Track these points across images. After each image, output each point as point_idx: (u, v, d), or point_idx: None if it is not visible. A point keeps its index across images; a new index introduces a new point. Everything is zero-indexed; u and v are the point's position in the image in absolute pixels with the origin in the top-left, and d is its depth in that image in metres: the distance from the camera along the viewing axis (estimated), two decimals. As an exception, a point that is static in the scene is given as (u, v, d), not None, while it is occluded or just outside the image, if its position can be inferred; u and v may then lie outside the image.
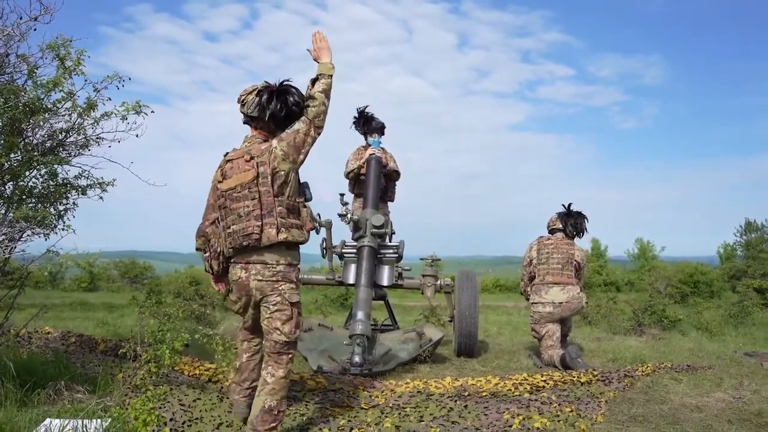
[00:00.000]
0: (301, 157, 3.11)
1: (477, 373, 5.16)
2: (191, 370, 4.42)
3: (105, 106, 3.80)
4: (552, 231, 6.21)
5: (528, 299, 6.13)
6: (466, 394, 4.15)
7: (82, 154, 3.95)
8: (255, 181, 3.03)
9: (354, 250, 5.81)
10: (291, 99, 3.15)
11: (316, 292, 14.87)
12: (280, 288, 3.06)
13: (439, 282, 6.09)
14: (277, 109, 3.11)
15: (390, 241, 6.08)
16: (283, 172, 3.05)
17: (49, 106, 3.66)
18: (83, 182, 4.00)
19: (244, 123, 3.24)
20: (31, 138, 3.76)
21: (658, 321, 8.96)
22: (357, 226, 5.78)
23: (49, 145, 3.86)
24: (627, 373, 4.96)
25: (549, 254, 5.98)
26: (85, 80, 3.65)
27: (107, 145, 3.87)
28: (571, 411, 3.87)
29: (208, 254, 3.25)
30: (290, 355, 3.15)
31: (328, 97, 3.20)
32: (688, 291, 21.24)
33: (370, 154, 6.22)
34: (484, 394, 4.17)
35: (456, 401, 3.99)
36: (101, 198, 4.02)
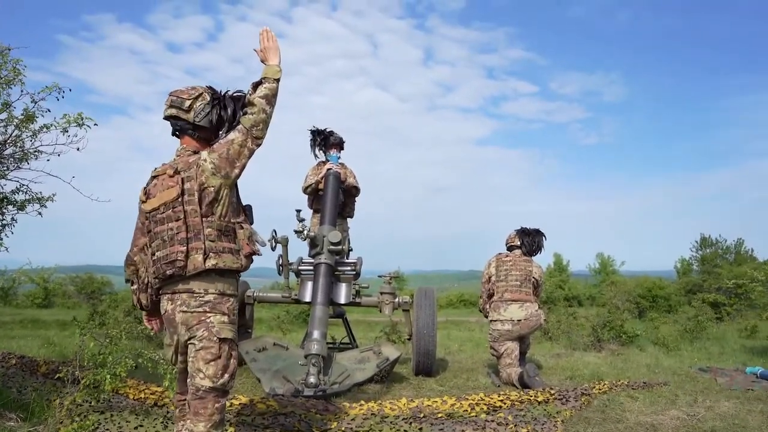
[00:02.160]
0: (236, 171, 2.66)
1: (434, 393, 5.08)
2: (136, 393, 4.22)
3: (44, 118, 3.63)
4: (510, 248, 6.21)
5: (487, 317, 6.09)
6: (422, 415, 4.05)
7: (19, 168, 3.75)
8: (179, 200, 2.60)
9: (311, 268, 5.69)
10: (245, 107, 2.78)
11: (278, 308, 14.63)
12: (208, 321, 2.58)
13: (397, 300, 6.00)
14: (231, 118, 2.74)
15: (348, 258, 5.98)
16: (212, 189, 2.61)
17: (-18, 117, 3.47)
18: (21, 197, 3.79)
19: (175, 133, 2.79)
20: (-38, 150, 3.56)
21: (617, 336, 9.04)
22: (314, 243, 5.66)
23: (-17, 158, 3.67)
24: (584, 391, 4.95)
25: (507, 271, 5.96)
26: (22, 90, 3.47)
27: (46, 159, 3.69)
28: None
29: (135, 286, 2.79)
30: (217, 405, 2.58)
31: (270, 104, 2.75)
32: (647, 305, 21.64)
33: (328, 170, 6.13)
34: (440, 415, 4.09)
35: (411, 423, 3.90)
36: (40, 214, 3.83)
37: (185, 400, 2.71)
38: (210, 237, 2.62)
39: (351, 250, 6.19)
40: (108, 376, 3.49)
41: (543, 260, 6.14)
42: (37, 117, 3.61)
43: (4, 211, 3.81)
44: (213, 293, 2.62)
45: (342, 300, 5.76)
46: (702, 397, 5.02)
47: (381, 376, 5.37)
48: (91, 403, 3.64)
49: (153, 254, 2.67)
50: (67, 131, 3.63)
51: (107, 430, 3.36)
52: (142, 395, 4.19)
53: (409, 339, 6.36)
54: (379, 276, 6.20)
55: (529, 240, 6.07)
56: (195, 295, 2.60)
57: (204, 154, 2.66)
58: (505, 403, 4.43)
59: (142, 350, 3.91)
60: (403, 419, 3.96)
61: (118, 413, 3.70)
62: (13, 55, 3.53)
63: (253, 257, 2.76)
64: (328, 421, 3.83)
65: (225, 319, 2.62)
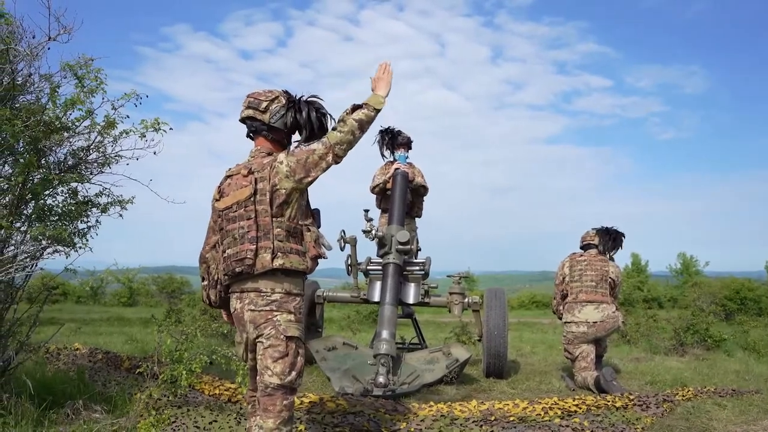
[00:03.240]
0: (309, 179, 2.67)
1: (505, 396, 4.96)
2: (211, 389, 4.36)
3: (123, 124, 3.80)
4: (585, 247, 5.99)
5: (560, 318, 5.90)
6: (493, 418, 3.96)
7: (102, 172, 3.95)
8: (252, 199, 2.65)
9: (379, 268, 5.70)
10: (320, 112, 2.83)
11: (348, 308, 14.79)
12: (275, 319, 2.62)
13: (466, 300, 5.91)
14: (306, 121, 2.77)
15: (416, 258, 5.95)
16: (284, 191, 2.64)
17: (68, 125, 3.67)
18: (104, 200, 3.99)
19: (249, 135, 2.86)
20: (50, 157, 3.77)
21: (702, 340, 8.56)
22: (382, 243, 5.67)
23: (70, 163, 3.87)
24: (666, 397, 4.69)
25: (582, 271, 5.75)
26: (103, 98, 3.65)
27: (125, 163, 3.86)
28: (605, 439, 3.66)
29: (206, 282, 2.87)
30: (285, 402, 2.62)
31: (362, 129, 2.74)
32: (734, 308, 20.40)
33: (396, 169, 6.12)
34: (511, 419, 3.99)
35: (481, 426, 3.82)
36: (121, 216, 4.01)
37: (256, 396, 2.75)
38: (279, 237, 2.65)
39: (419, 249, 6.15)
40: (184, 372, 3.60)
41: (620, 261, 5.85)
42: (117, 123, 3.78)
43: (89, 213, 4.01)
44: (280, 292, 2.64)
45: (410, 300, 5.73)
46: (799, 406, 4.66)
47: (450, 377, 5.30)
48: (168, 397, 3.78)
49: (224, 252, 2.71)
50: (145, 136, 3.79)
51: (183, 424, 3.47)
52: (217, 391, 4.31)
53: (479, 340, 6.25)
54: (448, 276, 6.13)
55: (608, 238, 5.84)
56: (262, 294, 2.63)
57: (281, 156, 2.69)
58: (580, 408, 4.26)
59: (216, 347, 4.02)
60: (473, 422, 3.89)
61: (194, 408, 3.82)
62: (96, 65, 3.71)
63: (319, 260, 2.77)
64: (397, 422, 3.81)
65: (291, 317, 2.65)
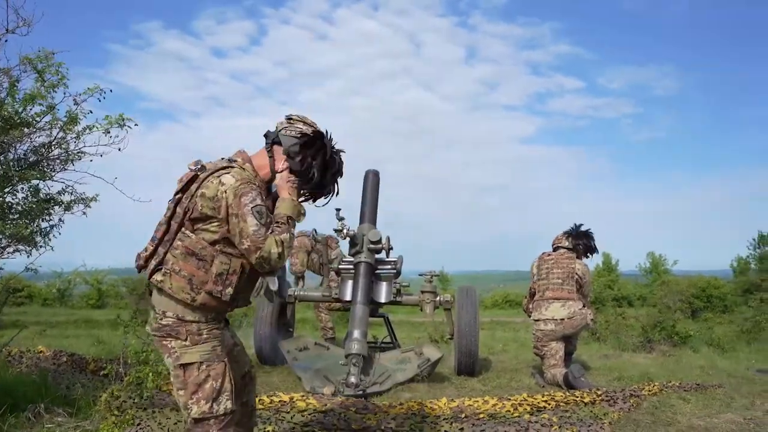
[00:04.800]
0: (223, 230, 2.18)
1: (476, 393, 4.98)
2: (179, 391, 4.28)
3: (86, 120, 3.72)
4: (555, 249, 6.05)
5: (530, 316, 5.96)
6: (463, 416, 3.97)
7: (65, 169, 3.85)
8: (178, 196, 2.26)
9: (351, 266, 5.67)
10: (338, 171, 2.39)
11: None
12: (170, 347, 2.17)
13: (438, 298, 5.93)
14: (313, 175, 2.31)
15: (388, 257, 5.94)
16: (199, 210, 2.18)
17: (28, 120, 3.57)
18: (67, 198, 3.90)
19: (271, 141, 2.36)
20: (10, 153, 3.67)
21: (668, 337, 8.71)
22: (353, 242, 5.65)
23: (31, 160, 3.78)
24: (633, 392, 4.77)
25: (549, 270, 5.81)
26: (65, 93, 3.56)
27: (89, 160, 3.78)
28: (573, 434, 3.70)
29: None
30: None
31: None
32: (701, 306, 20.83)
33: (367, 170, 6.11)
34: (481, 415, 4.00)
35: (452, 423, 3.82)
36: (85, 214, 3.93)
37: None
38: (175, 251, 2.20)
39: (392, 248, 6.15)
40: (150, 374, 3.53)
41: (591, 260, 5.91)
42: (80, 119, 3.70)
43: (51, 211, 3.91)
44: (170, 317, 2.18)
45: (382, 299, 5.72)
46: (760, 399, 4.77)
47: (422, 376, 5.31)
48: (134, 400, 3.70)
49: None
50: (109, 132, 3.71)
51: (148, 425, 3.40)
52: (185, 392, 4.24)
53: (450, 338, 6.27)
54: (420, 275, 6.14)
55: (577, 243, 5.91)
56: (156, 315, 2.21)
57: (233, 178, 2.20)
58: (549, 404, 4.30)
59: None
60: (444, 419, 3.89)
61: (159, 410, 3.75)
62: (58, 59, 3.62)
63: (219, 298, 2.19)
64: (368, 420, 3.79)
65: (187, 342, 2.16)
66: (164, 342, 2.18)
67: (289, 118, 2.39)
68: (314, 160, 2.30)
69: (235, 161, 2.29)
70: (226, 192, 2.15)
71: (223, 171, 2.22)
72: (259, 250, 2.10)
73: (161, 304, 2.19)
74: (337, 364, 5.25)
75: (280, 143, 2.33)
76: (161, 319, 2.18)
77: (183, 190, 2.25)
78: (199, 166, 2.26)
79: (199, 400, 2.14)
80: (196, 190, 2.20)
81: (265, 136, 2.39)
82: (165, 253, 2.20)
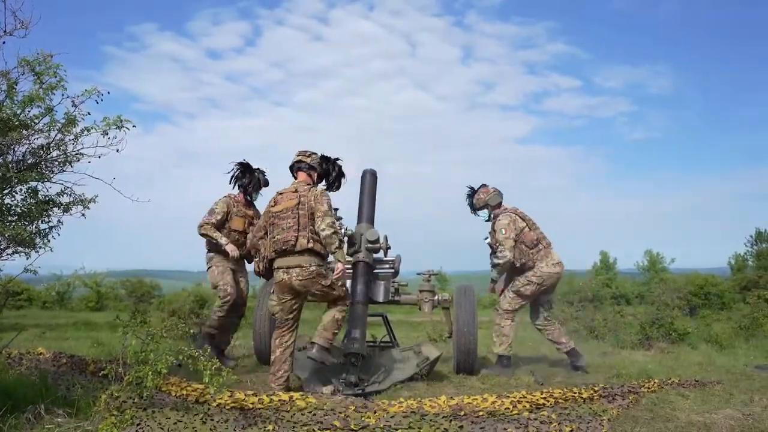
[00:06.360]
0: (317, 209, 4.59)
1: (476, 391, 4.99)
2: (178, 391, 4.29)
3: (84, 122, 3.72)
4: (499, 205, 6.22)
5: (521, 267, 5.97)
6: (462, 413, 3.98)
7: (63, 171, 3.86)
8: (296, 207, 4.55)
9: (349, 266, 5.68)
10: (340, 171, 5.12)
11: (321, 308, 14.69)
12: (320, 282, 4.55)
13: (436, 297, 5.94)
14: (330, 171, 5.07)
15: (386, 256, 5.95)
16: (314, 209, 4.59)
17: (27, 122, 3.57)
18: (65, 199, 3.90)
19: (293, 171, 4.93)
20: (8, 155, 3.67)
21: (667, 334, 8.73)
22: (351, 241, 5.66)
23: (30, 161, 3.78)
24: (631, 389, 4.79)
25: (530, 220, 6.05)
26: (63, 95, 3.57)
27: (87, 161, 3.78)
28: (572, 430, 3.71)
29: (257, 258, 4.84)
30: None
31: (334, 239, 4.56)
32: (699, 303, 20.87)
33: (365, 170, 6.12)
34: (480, 413, 4.01)
35: (451, 421, 3.83)
36: (83, 215, 3.93)
37: (282, 334, 4.71)
38: (312, 231, 4.50)
39: (389, 248, 6.16)
40: (150, 373, 3.54)
41: (588, 259, 6.01)
42: (78, 121, 3.70)
43: (50, 213, 3.92)
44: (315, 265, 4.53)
45: (380, 298, 5.73)
46: (759, 395, 4.79)
47: (421, 375, 5.32)
48: (134, 399, 3.71)
49: (273, 237, 4.53)
50: (107, 134, 3.72)
51: (148, 425, 3.41)
52: (184, 392, 4.24)
53: (449, 337, 6.28)
54: (418, 274, 6.15)
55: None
56: (303, 267, 4.46)
57: (318, 190, 4.69)
58: (548, 401, 4.31)
59: (183, 348, 3.95)
60: (443, 417, 3.90)
61: (159, 410, 3.76)
62: (56, 61, 3.62)
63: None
64: (367, 419, 3.80)
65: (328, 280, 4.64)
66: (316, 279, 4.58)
67: (304, 155, 4.93)
68: (329, 165, 5.09)
69: (303, 182, 4.87)
70: (321, 195, 4.73)
71: (307, 187, 4.82)
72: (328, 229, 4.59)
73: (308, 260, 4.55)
74: (336, 363, 5.26)
75: (310, 168, 4.94)
76: (309, 267, 4.53)
77: (297, 204, 4.64)
78: (295, 190, 4.79)
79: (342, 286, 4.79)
80: (309, 200, 4.64)
81: (299, 168, 4.94)
82: (307, 233, 4.58)
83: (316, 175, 4.87)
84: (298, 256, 4.40)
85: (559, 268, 5.94)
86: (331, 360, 4.80)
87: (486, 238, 6.18)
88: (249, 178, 6.13)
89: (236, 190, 6.21)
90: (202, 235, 5.99)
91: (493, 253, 6.03)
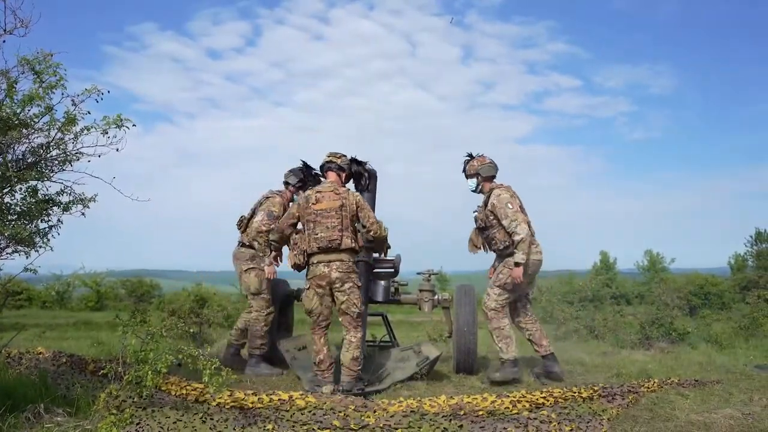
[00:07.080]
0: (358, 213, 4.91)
1: (475, 390, 5.00)
2: (178, 390, 4.29)
3: (84, 121, 3.72)
4: (491, 179, 5.71)
5: (507, 252, 5.50)
6: (462, 413, 3.98)
7: (63, 170, 3.85)
8: (341, 208, 4.78)
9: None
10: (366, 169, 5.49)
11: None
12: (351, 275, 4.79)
13: (436, 297, 5.93)
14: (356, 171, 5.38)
15: (386, 256, 5.94)
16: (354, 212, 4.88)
17: (27, 121, 3.57)
18: (65, 198, 3.90)
19: (322, 170, 5.20)
20: (8, 154, 3.67)
21: (666, 334, 8.72)
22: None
23: (29, 160, 3.78)
24: (631, 388, 4.79)
25: (521, 202, 5.59)
26: (63, 94, 3.57)
27: (87, 160, 3.78)
28: (572, 430, 3.71)
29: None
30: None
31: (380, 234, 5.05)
32: (698, 303, 20.86)
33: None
34: (480, 413, 4.01)
35: (451, 421, 3.83)
36: (83, 214, 3.92)
37: (324, 332, 4.86)
38: (352, 231, 4.84)
39: (389, 247, 6.15)
40: (149, 372, 3.54)
41: (588, 258, 5.95)
42: (78, 120, 3.70)
43: (50, 212, 3.92)
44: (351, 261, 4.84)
45: (380, 298, 5.73)
46: (759, 395, 4.79)
47: (421, 374, 5.32)
48: (134, 399, 3.71)
49: (315, 234, 4.73)
50: (107, 133, 3.71)
51: (147, 425, 3.41)
52: (184, 392, 4.25)
53: (449, 337, 6.28)
54: (418, 273, 6.14)
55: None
56: (344, 261, 4.75)
57: (358, 195, 5.02)
58: (548, 401, 4.31)
59: (182, 347, 3.95)
60: (443, 417, 3.90)
61: (158, 409, 3.76)
62: (55, 60, 3.62)
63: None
64: (366, 418, 3.80)
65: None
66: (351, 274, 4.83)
67: (335, 156, 5.15)
68: (357, 165, 5.40)
69: (334, 182, 5.08)
70: (358, 201, 5.00)
71: (343, 188, 5.07)
72: (377, 232, 5.09)
73: (348, 257, 4.84)
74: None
75: (340, 168, 5.16)
76: (347, 263, 4.80)
77: (341, 206, 4.85)
78: (335, 191, 4.96)
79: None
80: (350, 202, 4.90)
81: (329, 169, 5.15)
82: (350, 233, 4.90)
83: (344, 175, 5.12)
84: (341, 253, 4.70)
85: (541, 256, 5.55)
86: (360, 385, 4.75)
87: (475, 211, 5.71)
88: (310, 178, 5.87)
89: (278, 188, 5.98)
90: (266, 241, 5.43)
91: (484, 228, 5.60)
